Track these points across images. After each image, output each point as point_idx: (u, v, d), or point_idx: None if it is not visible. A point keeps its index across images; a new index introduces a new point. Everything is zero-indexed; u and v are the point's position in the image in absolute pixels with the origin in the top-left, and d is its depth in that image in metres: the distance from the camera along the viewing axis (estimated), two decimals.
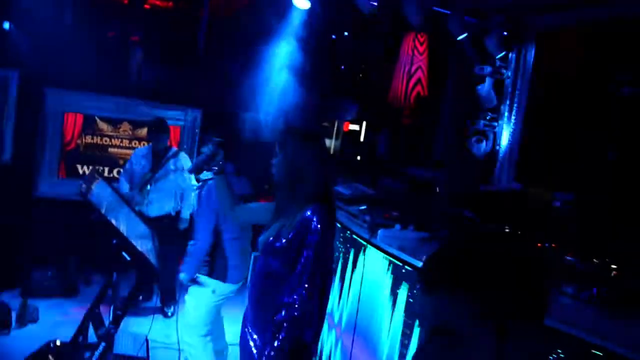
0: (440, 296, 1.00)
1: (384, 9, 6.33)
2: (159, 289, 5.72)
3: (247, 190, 3.92)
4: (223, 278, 3.90)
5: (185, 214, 5.64)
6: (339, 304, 4.47)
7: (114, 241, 3.92)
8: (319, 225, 2.43)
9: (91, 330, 4.23)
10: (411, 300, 3.48)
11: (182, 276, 3.98)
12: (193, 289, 4.02)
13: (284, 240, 2.48)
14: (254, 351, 2.57)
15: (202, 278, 3.95)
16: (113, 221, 3.87)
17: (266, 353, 2.42)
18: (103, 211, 3.85)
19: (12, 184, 5.79)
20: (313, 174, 2.52)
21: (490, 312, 0.96)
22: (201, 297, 3.94)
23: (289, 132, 2.59)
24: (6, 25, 5.80)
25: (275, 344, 2.40)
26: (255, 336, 2.59)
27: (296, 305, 2.40)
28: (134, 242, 3.95)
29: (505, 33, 5.88)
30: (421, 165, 6.67)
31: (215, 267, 3.95)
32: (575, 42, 5.46)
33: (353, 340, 4.07)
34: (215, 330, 4.04)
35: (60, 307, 5.42)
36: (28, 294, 5.31)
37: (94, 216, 3.91)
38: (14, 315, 4.92)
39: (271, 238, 2.53)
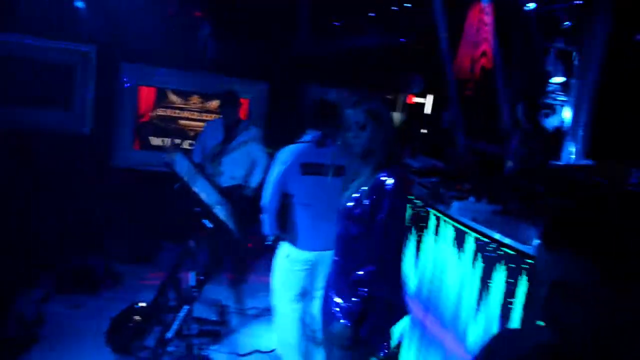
0: (562, 254, 1.05)
1: None
2: (231, 257, 5.91)
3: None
4: (294, 242, 3.85)
5: (253, 183, 5.75)
6: (413, 276, 4.53)
7: (197, 209, 4.10)
8: (392, 186, 2.54)
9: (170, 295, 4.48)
10: (484, 269, 3.51)
11: (268, 238, 4.06)
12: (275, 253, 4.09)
13: (359, 206, 2.59)
14: (336, 311, 2.67)
15: (281, 243, 4.04)
16: (195, 189, 4.03)
17: (346, 308, 2.57)
18: (186, 180, 4.01)
19: (91, 154, 6.07)
20: (386, 147, 2.63)
21: (610, 271, 1.01)
22: (277, 261, 4.01)
23: (370, 114, 2.63)
24: (80, 3, 6.02)
25: (355, 299, 2.54)
26: (336, 299, 2.69)
27: (374, 266, 2.54)
28: (214, 210, 4.12)
29: (577, 1, 5.72)
30: (487, 139, 6.61)
31: (287, 230, 3.99)
32: None
33: (426, 311, 4.13)
34: (302, 300, 3.94)
35: (138, 272, 5.68)
36: (107, 259, 5.60)
37: (178, 186, 4.08)
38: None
39: (348, 204, 2.64)
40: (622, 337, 1.04)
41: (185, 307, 4.06)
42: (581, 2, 5.67)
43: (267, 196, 3.88)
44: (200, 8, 7.02)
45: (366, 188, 2.60)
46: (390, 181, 2.54)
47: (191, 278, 4.23)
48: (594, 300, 1.03)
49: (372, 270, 2.54)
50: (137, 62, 6.27)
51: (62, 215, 5.65)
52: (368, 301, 2.56)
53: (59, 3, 5.64)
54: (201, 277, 4.16)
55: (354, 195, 2.65)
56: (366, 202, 2.58)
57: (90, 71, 6.02)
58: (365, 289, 2.54)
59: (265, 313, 5.08)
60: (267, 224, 4.00)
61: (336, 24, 7.53)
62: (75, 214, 5.75)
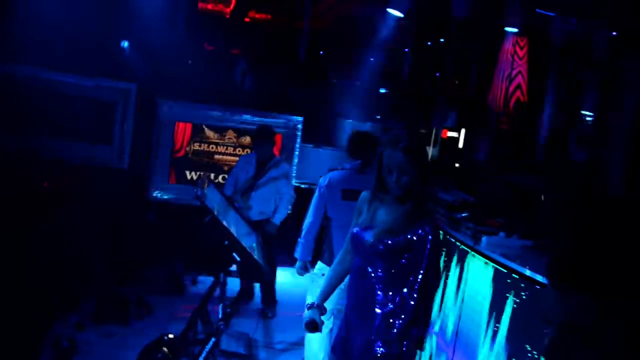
0: (570, 295, 1.04)
1: (482, 13, 6.27)
2: (260, 290, 5.93)
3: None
4: (329, 263, 3.90)
5: (277, 220, 5.79)
6: (439, 312, 4.45)
7: (226, 242, 4.15)
8: (431, 239, 2.53)
9: (199, 327, 4.52)
10: (516, 308, 3.42)
11: (297, 263, 4.19)
12: (308, 277, 4.14)
13: (381, 247, 2.56)
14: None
15: (318, 263, 4.10)
16: (225, 224, 4.10)
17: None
18: (216, 214, 4.09)
19: (128, 188, 6.26)
20: (422, 184, 2.59)
21: (616, 312, 0.99)
22: (313, 279, 4.05)
23: (407, 152, 2.57)
24: (125, 43, 6.31)
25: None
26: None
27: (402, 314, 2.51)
28: (242, 243, 4.17)
29: (614, 33, 5.66)
30: (521, 172, 6.52)
31: (323, 251, 4.10)
32: None
33: (454, 350, 4.05)
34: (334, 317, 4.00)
35: (170, 304, 5.73)
36: (142, 290, 5.69)
37: (208, 219, 4.16)
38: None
39: (376, 241, 2.59)
40: None
41: (212, 340, 4.09)
42: (616, 34, 5.62)
43: (309, 219, 4.04)
44: (236, 46, 7.26)
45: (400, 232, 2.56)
46: (430, 238, 2.53)
47: (219, 310, 4.27)
48: (601, 340, 1.01)
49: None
50: (174, 99, 6.49)
51: (101, 245, 5.80)
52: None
53: (104, 42, 5.91)
54: (228, 310, 4.19)
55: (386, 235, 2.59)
56: (399, 242, 2.56)
57: (131, 107, 6.26)
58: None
59: (293, 347, 5.05)
60: (302, 248, 4.11)
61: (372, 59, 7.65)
62: (114, 245, 5.90)
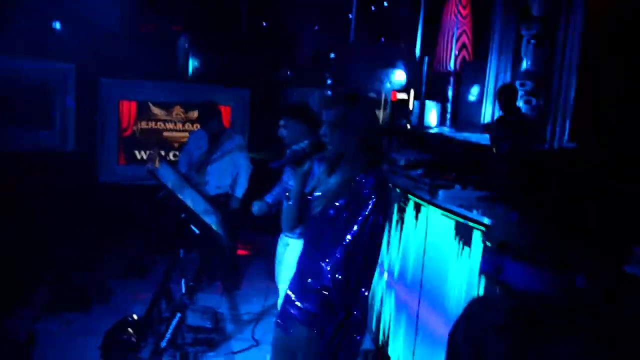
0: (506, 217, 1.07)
1: None
2: (222, 264, 5.88)
3: None
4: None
5: (238, 193, 5.74)
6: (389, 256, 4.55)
7: (183, 215, 4.08)
8: (371, 194, 2.41)
9: (163, 306, 4.45)
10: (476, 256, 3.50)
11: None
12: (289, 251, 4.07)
13: (332, 210, 2.46)
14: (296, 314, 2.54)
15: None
16: (180, 196, 4.02)
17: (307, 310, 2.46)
18: (170, 187, 4.00)
19: (77, 171, 6.05)
20: (362, 150, 2.48)
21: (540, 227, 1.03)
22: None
23: (341, 117, 2.48)
24: (57, 25, 6.03)
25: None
26: (296, 302, 2.56)
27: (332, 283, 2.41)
28: (201, 216, 4.09)
29: None
30: (472, 130, 6.63)
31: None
32: None
33: (419, 301, 4.12)
34: None
35: (130, 287, 5.62)
36: (99, 275, 5.57)
37: (161, 194, 4.07)
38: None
39: (322, 206, 2.51)
40: None
41: (178, 315, 4.03)
42: None
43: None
44: (178, 22, 7.07)
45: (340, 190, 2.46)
46: (368, 190, 2.40)
47: (182, 286, 4.21)
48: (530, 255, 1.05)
49: (338, 279, 2.39)
50: (117, 77, 6.28)
51: (51, 233, 5.63)
52: (331, 308, 2.43)
53: (36, 22, 5.65)
54: (191, 284, 4.13)
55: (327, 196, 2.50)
56: (340, 203, 2.45)
57: (71, 88, 6.02)
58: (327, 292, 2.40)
59: (260, 317, 5.05)
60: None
61: (316, 27, 7.59)
62: (64, 231, 5.72)
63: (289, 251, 3.94)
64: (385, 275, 4.66)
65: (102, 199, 6.21)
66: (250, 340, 4.69)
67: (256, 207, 4.35)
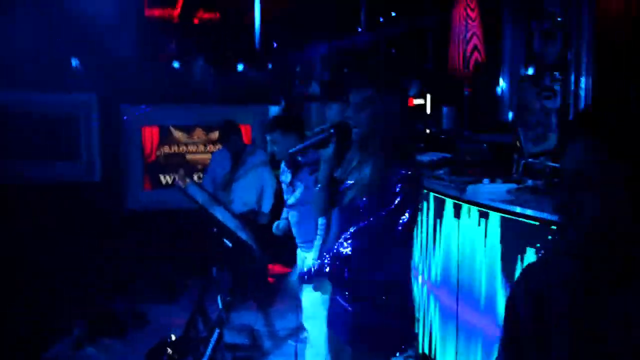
0: (577, 144, 1.08)
1: None
2: (254, 282, 5.87)
3: None
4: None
5: (265, 208, 5.76)
6: (428, 262, 4.50)
7: (214, 229, 4.10)
8: (400, 191, 2.39)
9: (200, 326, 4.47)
10: (511, 246, 3.47)
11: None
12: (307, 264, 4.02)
13: (362, 202, 2.44)
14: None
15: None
16: (211, 211, 4.04)
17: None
18: (201, 202, 4.03)
19: (104, 201, 6.12)
20: (394, 129, 2.47)
21: (617, 159, 1.04)
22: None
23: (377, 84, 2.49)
24: (75, 61, 6.19)
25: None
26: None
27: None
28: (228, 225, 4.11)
29: None
30: (491, 131, 6.60)
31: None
32: None
33: (457, 299, 4.08)
34: None
35: (165, 311, 5.65)
36: (134, 301, 5.60)
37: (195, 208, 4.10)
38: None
39: (353, 196, 2.49)
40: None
41: (216, 331, 4.02)
42: None
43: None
44: (192, 45, 7.20)
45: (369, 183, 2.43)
46: (397, 180, 2.39)
47: (218, 302, 4.21)
48: (603, 192, 1.05)
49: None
50: (137, 103, 6.39)
51: (83, 263, 5.69)
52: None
53: (55, 55, 5.78)
54: (227, 299, 4.13)
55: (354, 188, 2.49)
56: (367, 199, 2.43)
57: (93, 118, 6.13)
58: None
59: (297, 332, 5.02)
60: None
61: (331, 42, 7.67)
62: (96, 260, 5.78)
63: (307, 263, 3.90)
64: (421, 279, 4.62)
65: (131, 225, 6.27)
66: (289, 356, 4.66)
67: (275, 227, 4.33)
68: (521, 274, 1.33)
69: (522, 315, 1.26)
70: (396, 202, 2.37)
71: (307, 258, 3.89)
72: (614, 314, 1.08)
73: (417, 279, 4.60)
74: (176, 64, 6.65)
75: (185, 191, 4.06)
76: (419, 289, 4.60)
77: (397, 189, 2.38)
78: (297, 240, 4.00)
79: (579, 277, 1.14)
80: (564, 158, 1.12)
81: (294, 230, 4.02)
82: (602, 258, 1.09)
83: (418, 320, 4.54)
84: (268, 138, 4.11)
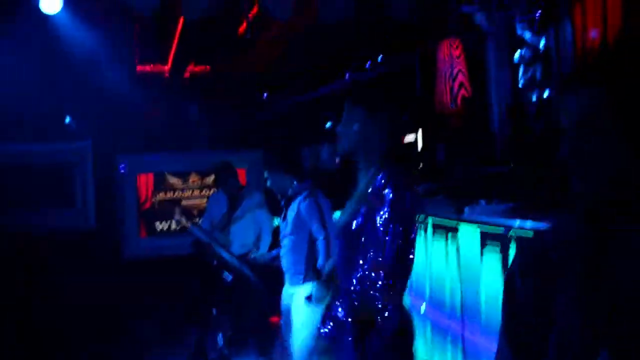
0: (581, 93, 1.09)
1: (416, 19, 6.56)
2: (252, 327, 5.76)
3: None
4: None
5: (263, 249, 5.71)
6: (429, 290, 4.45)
7: (214, 262, 4.07)
8: (391, 194, 2.24)
9: None
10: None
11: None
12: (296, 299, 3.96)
13: (358, 218, 2.30)
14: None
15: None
16: (211, 243, 4.03)
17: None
18: (198, 235, 4.02)
19: (99, 248, 6.07)
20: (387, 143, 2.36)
21: (625, 102, 1.05)
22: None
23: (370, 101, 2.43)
24: (67, 119, 6.30)
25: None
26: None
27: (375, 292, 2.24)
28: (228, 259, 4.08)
29: (537, 15, 5.99)
30: (484, 164, 6.68)
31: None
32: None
33: (463, 322, 4.02)
34: None
35: (163, 356, 5.52)
36: (136, 347, 5.49)
37: (192, 242, 4.09)
38: None
39: (346, 221, 2.37)
40: None
41: None
42: (539, 13, 5.96)
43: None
44: (184, 97, 7.34)
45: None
46: (389, 191, 2.24)
47: (219, 339, 4.12)
48: (611, 132, 1.05)
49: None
50: (131, 151, 6.44)
51: (79, 310, 5.59)
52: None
53: (51, 107, 5.87)
54: (229, 333, 4.06)
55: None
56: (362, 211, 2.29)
57: (89, 166, 6.17)
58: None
59: None
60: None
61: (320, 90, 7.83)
62: (92, 308, 5.69)
63: (295, 300, 3.85)
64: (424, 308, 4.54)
65: (128, 273, 6.19)
66: None
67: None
68: (518, 248, 1.33)
69: (522, 287, 1.24)
70: (386, 209, 2.22)
71: (295, 294, 3.84)
72: (625, 260, 1.06)
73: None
74: (169, 113, 6.75)
75: (184, 224, 4.06)
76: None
77: (385, 192, 2.24)
78: (286, 275, 3.95)
79: (587, 228, 1.13)
80: (566, 110, 1.13)
81: (284, 262, 3.98)
82: (612, 203, 1.09)
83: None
84: (266, 174, 4.21)
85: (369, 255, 2.26)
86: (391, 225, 2.22)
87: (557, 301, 1.15)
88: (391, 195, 2.22)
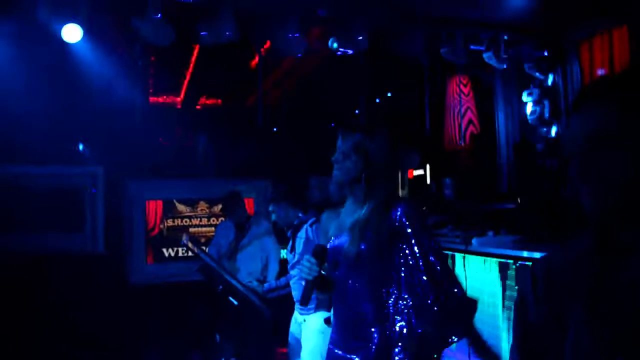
0: (596, 105, 1.08)
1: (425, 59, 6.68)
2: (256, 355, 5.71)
3: None
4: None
5: (270, 277, 5.70)
6: None
7: (220, 287, 4.07)
8: (409, 224, 2.22)
9: None
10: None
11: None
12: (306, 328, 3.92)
13: (364, 244, 2.26)
14: None
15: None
16: (217, 268, 4.04)
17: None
18: (207, 260, 4.04)
19: (107, 274, 6.07)
20: (384, 172, 2.40)
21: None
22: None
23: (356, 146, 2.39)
24: (80, 144, 6.40)
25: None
26: (350, 355, 2.31)
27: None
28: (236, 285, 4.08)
29: (545, 54, 6.11)
30: (491, 199, 6.69)
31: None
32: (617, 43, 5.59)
33: (469, 354, 3.98)
34: None
35: None
36: None
37: (200, 267, 4.10)
38: None
39: (350, 243, 2.31)
40: None
41: None
42: (546, 54, 6.08)
43: None
44: (195, 128, 7.46)
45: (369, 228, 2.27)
46: (406, 222, 2.23)
47: None
48: (631, 145, 1.03)
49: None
50: (142, 177, 6.52)
51: (84, 338, 5.55)
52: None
53: (65, 131, 5.97)
54: (232, 359, 4.03)
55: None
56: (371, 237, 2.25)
57: (100, 190, 6.23)
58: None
59: None
60: None
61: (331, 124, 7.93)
62: (101, 334, 5.65)
63: (306, 328, 3.82)
64: None
65: (134, 299, 6.17)
66: None
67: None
68: (528, 272, 1.31)
69: (533, 311, 1.24)
70: (405, 240, 2.18)
71: (305, 322, 3.83)
72: (631, 278, 1.05)
73: None
74: (179, 143, 6.86)
75: (190, 247, 4.08)
76: None
77: (399, 225, 2.22)
78: (297, 300, 3.96)
79: (593, 247, 1.13)
80: (579, 123, 1.11)
81: (294, 292, 4.01)
82: (623, 220, 1.07)
83: None
84: (270, 208, 4.29)
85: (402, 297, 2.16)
86: (422, 259, 2.17)
87: (567, 319, 1.14)
88: (411, 229, 2.20)
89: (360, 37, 5.73)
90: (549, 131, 6.00)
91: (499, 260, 3.71)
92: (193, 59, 8.41)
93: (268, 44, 6.72)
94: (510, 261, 3.64)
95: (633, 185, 1.04)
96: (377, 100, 8.37)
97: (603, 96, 1.09)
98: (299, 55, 5.90)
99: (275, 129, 8.11)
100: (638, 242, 1.06)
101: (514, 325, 1.32)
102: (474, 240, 4.15)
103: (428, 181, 7.21)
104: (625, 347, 1.02)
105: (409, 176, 7.06)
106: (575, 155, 1.10)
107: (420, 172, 7.22)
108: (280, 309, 4.41)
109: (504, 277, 3.69)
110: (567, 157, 1.15)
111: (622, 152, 1.04)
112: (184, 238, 4.34)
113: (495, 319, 3.70)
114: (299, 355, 3.89)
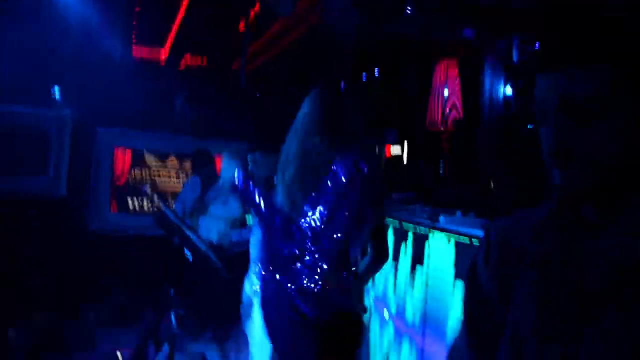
0: (569, 70, 0.94)
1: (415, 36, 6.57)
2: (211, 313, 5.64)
3: None
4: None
5: (234, 238, 5.63)
6: (394, 297, 4.37)
7: (176, 240, 3.96)
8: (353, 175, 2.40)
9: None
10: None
11: None
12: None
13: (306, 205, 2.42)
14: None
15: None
16: (173, 217, 3.92)
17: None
18: (163, 209, 3.92)
19: (67, 218, 5.93)
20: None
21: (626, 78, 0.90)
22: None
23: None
24: (56, 89, 6.20)
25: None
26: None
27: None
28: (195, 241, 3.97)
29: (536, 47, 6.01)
30: (469, 189, 6.65)
31: None
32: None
33: (424, 334, 3.93)
34: None
35: (115, 336, 5.36)
36: (85, 323, 5.33)
37: (156, 216, 3.99)
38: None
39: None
40: None
41: (166, 345, 3.81)
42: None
43: None
44: (175, 85, 7.29)
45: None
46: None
47: (172, 318, 4.00)
48: (609, 117, 0.91)
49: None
50: (113, 126, 6.33)
51: (35, 280, 5.43)
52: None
53: (33, 69, 5.76)
54: (181, 312, 3.93)
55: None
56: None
57: (66, 135, 6.04)
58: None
59: None
60: None
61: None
62: (50, 279, 5.52)
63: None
64: (388, 315, 4.44)
65: (92, 247, 6.04)
66: None
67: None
68: (482, 238, 1.22)
69: (483, 275, 1.16)
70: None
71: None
72: (590, 255, 0.96)
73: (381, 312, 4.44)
74: (158, 97, 6.67)
75: (150, 196, 3.97)
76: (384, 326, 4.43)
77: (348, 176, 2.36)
78: (254, 265, 3.85)
79: (556, 220, 1.02)
80: (553, 85, 0.96)
81: (253, 252, 3.89)
82: (596, 200, 0.96)
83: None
84: (249, 159, 4.15)
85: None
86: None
87: (515, 288, 1.06)
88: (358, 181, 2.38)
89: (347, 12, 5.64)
90: (533, 118, 5.95)
91: (458, 237, 3.67)
92: (180, 14, 8.23)
93: (257, 7, 6.56)
94: (467, 240, 3.57)
95: (615, 163, 0.93)
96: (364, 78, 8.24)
97: (591, 57, 0.93)
98: (288, 14, 5.75)
99: (258, 95, 7.96)
100: (608, 221, 0.96)
101: (464, 292, 1.24)
102: (441, 217, 4.07)
103: (405, 161, 7.14)
104: (584, 319, 0.93)
105: (387, 155, 6.99)
106: (546, 125, 0.97)
107: (398, 152, 7.13)
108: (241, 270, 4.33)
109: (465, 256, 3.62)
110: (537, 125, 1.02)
111: (608, 123, 0.92)
112: (145, 186, 4.21)
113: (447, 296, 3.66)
114: (250, 317, 3.80)
